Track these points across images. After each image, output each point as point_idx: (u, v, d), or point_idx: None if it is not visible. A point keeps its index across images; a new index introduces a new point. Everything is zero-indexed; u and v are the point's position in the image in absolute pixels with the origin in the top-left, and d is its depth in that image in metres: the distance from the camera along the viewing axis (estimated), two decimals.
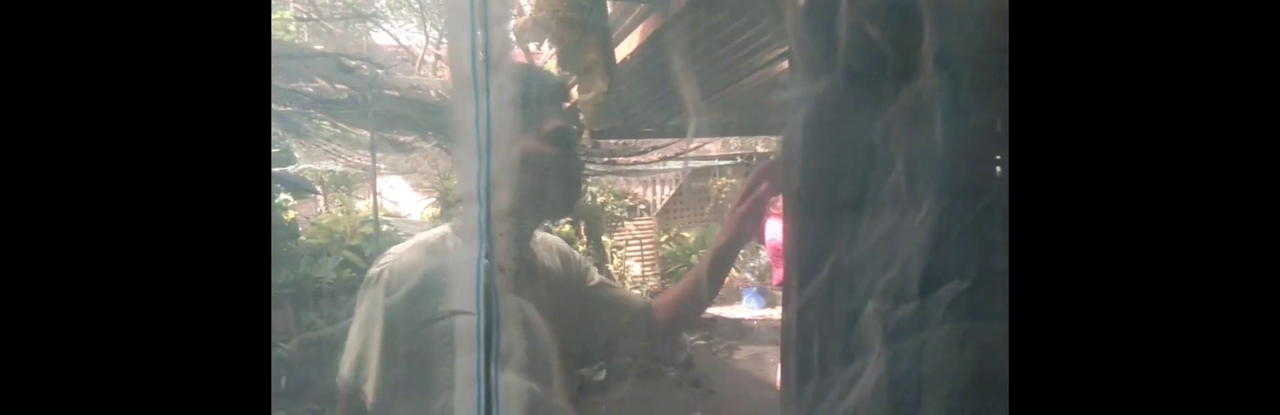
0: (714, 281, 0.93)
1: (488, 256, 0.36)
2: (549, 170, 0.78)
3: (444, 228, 0.83)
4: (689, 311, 0.99)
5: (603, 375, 4.22)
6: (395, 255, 0.77)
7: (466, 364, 0.37)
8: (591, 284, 0.93)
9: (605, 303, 0.93)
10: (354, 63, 2.46)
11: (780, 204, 0.64)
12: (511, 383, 0.38)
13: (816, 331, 0.54)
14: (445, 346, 0.55)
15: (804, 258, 0.56)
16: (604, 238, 5.41)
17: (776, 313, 5.33)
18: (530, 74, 0.89)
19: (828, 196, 0.54)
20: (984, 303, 0.61)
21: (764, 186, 0.85)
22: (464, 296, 0.37)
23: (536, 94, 0.81)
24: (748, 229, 0.89)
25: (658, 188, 6.45)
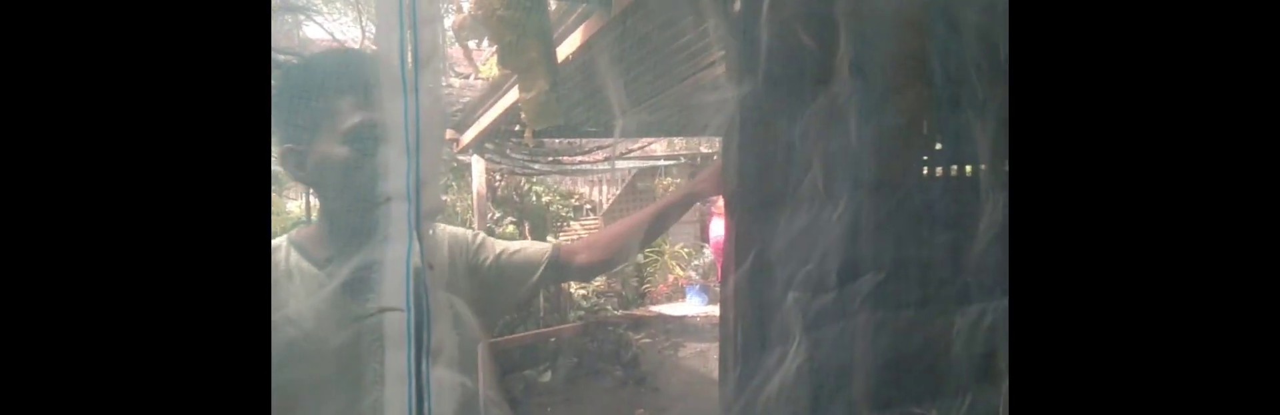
0: (653, 230, 0.96)
1: (420, 255, 0.37)
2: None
3: (278, 240, 0.81)
4: (617, 253, 0.98)
5: (548, 376, 4.20)
6: None
7: (397, 360, 0.38)
8: (488, 263, 0.92)
9: (510, 273, 0.93)
10: (284, 57, 2.37)
11: (722, 203, 0.66)
12: (443, 377, 0.39)
13: (741, 322, 0.57)
14: (376, 343, 0.55)
15: (730, 252, 0.59)
16: (549, 238, 5.38)
17: (717, 309, 5.42)
18: (359, 61, 0.81)
19: (753, 193, 0.57)
20: (899, 292, 0.65)
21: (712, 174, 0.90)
22: (394, 293, 0.37)
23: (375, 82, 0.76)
24: (704, 192, 0.94)
25: (603, 187, 6.46)
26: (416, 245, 0.38)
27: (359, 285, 0.71)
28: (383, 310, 0.38)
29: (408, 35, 0.35)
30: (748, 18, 0.55)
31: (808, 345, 0.56)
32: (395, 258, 0.38)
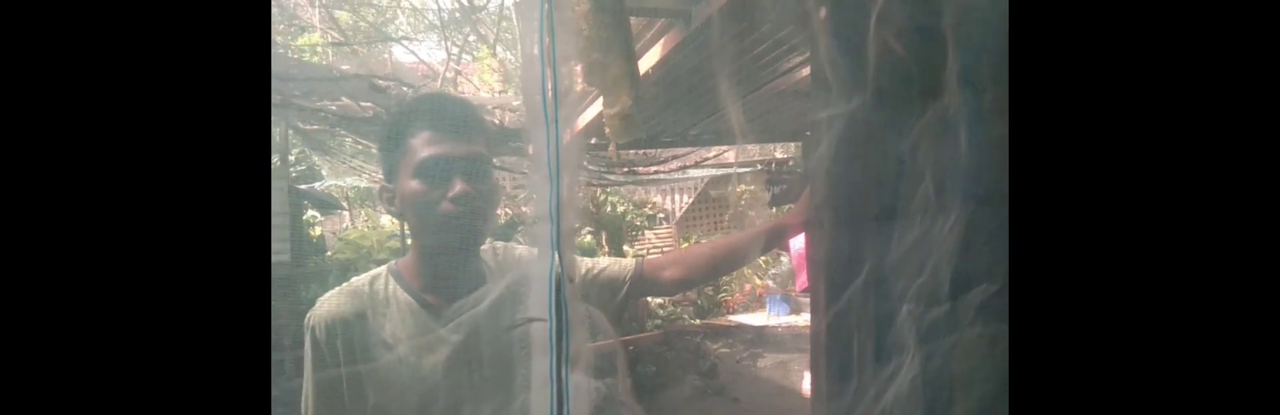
0: (741, 257, 0.97)
1: (560, 269, 0.40)
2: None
3: (380, 270, 0.87)
4: (701, 273, 1.00)
5: (628, 384, 4.22)
6: (320, 303, 0.84)
7: (541, 366, 0.41)
8: (576, 283, 0.95)
9: (597, 292, 0.95)
10: (385, 83, 2.55)
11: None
12: (581, 383, 0.42)
13: (854, 334, 0.57)
14: (522, 350, 0.60)
15: (839, 265, 0.59)
16: (624, 246, 5.44)
17: (800, 319, 5.30)
18: (439, 103, 0.89)
19: (861, 207, 0.57)
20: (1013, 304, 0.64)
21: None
22: (539, 304, 0.41)
23: (448, 123, 0.81)
24: (798, 227, 0.94)
25: (676, 196, 6.48)
26: (558, 260, 0.41)
27: (452, 315, 0.77)
28: (529, 320, 0.41)
29: (548, 73, 0.39)
30: (854, 32, 0.56)
31: (922, 357, 0.56)
32: (540, 272, 0.41)
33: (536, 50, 0.37)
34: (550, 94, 0.38)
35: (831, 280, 0.61)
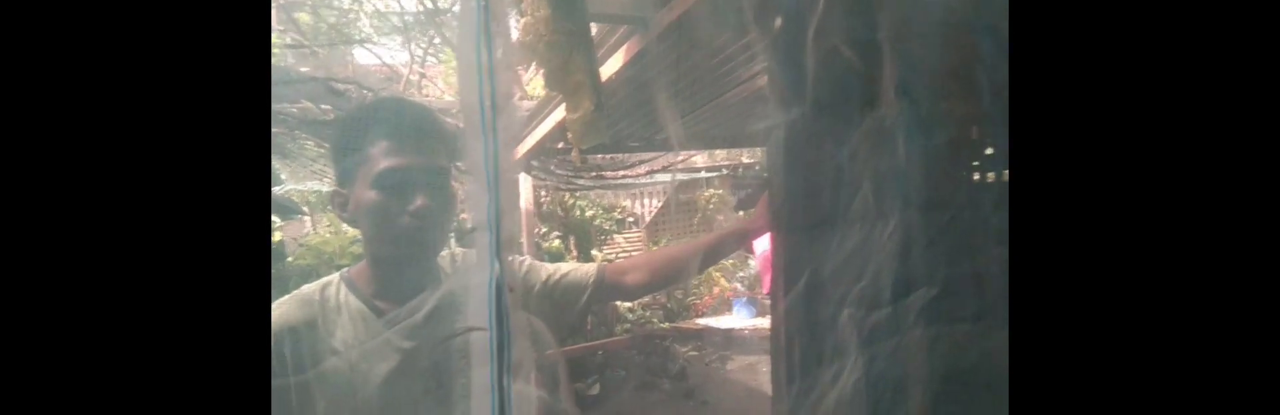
0: (704, 260, 0.98)
1: (499, 279, 0.41)
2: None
3: (332, 277, 0.87)
4: (664, 277, 1.00)
5: (597, 389, 4.22)
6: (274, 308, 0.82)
7: (482, 375, 0.41)
8: (537, 289, 0.94)
9: (559, 297, 0.95)
10: (343, 86, 2.51)
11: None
12: (523, 391, 0.42)
13: (797, 337, 0.59)
14: (462, 360, 0.59)
15: (785, 270, 0.61)
16: (594, 251, 5.43)
17: (766, 322, 5.36)
18: (399, 110, 0.88)
19: (804, 213, 0.59)
20: (952, 307, 0.66)
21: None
22: (478, 314, 0.41)
23: (408, 132, 0.80)
24: (760, 228, 0.96)
25: (646, 200, 6.50)
26: (498, 269, 0.41)
27: (395, 320, 0.77)
28: (468, 330, 0.42)
29: (486, 81, 0.39)
30: (793, 45, 0.57)
31: (864, 360, 0.57)
32: (479, 282, 0.41)
33: (474, 59, 0.37)
34: (488, 102, 0.39)
35: (778, 284, 0.62)
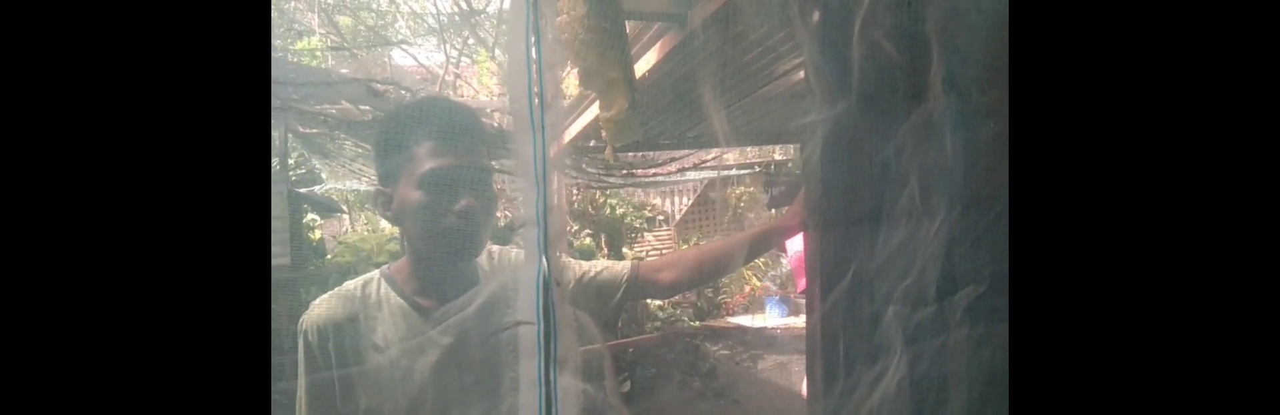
0: (737, 259, 0.97)
1: (546, 274, 0.41)
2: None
3: (373, 274, 0.88)
4: (698, 275, 1.00)
5: (627, 386, 4.23)
6: (312, 307, 0.85)
7: (529, 369, 0.42)
8: (571, 287, 0.94)
9: (593, 295, 0.95)
10: (383, 87, 2.56)
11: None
12: (569, 385, 0.43)
13: (841, 335, 0.58)
14: (510, 353, 0.60)
15: (826, 267, 0.60)
16: (624, 249, 5.45)
17: (799, 321, 5.31)
18: (443, 110, 0.88)
19: (847, 210, 0.58)
20: (999, 306, 0.64)
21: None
22: (526, 308, 0.41)
23: (452, 132, 0.81)
24: (794, 228, 0.95)
25: (676, 198, 6.49)
26: (545, 264, 0.42)
27: (441, 317, 0.78)
28: (517, 324, 0.42)
29: (535, 79, 0.40)
30: (839, 38, 0.57)
31: (909, 358, 0.56)
32: (527, 277, 0.42)
33: (524, 56, 0.38)
34: (536, 100, 0.39)
35: (820, 282, 0.61)
